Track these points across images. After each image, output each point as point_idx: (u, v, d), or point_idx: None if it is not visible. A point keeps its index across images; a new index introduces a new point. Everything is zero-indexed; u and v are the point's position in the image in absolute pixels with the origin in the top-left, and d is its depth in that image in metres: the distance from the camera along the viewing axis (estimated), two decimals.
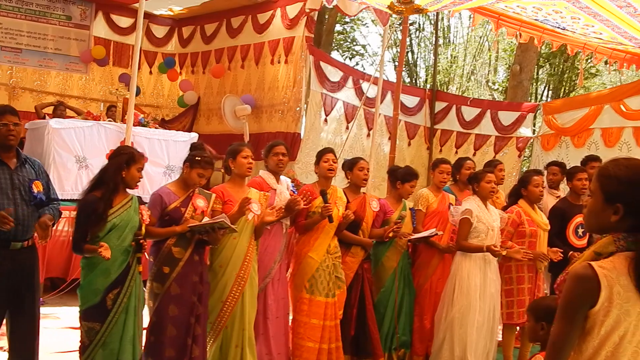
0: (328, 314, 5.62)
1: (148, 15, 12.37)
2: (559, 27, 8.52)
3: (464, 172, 6.65)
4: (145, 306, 4.83)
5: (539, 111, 12.22)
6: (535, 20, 8.35)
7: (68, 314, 7.11)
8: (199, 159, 4.86)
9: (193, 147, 5.19)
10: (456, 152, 12.07)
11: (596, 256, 2.22)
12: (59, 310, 7.26)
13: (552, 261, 6.24)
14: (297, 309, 5.65)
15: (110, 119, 9.26)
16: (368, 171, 6.06)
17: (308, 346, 5.55)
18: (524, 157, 12.80)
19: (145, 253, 4.70)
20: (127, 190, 4.64)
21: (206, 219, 4.89)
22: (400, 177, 6.32)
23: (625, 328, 2.14)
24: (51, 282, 7.96)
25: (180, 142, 9.29)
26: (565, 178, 7.04)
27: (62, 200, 4.99)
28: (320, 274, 5.61)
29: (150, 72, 13.64)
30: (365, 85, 10.85)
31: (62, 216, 4.91)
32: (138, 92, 12.01)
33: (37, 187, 4.51)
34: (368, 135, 11.37)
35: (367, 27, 25.27)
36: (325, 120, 11.06)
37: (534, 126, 12.76)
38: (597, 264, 2.16)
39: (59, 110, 10.40)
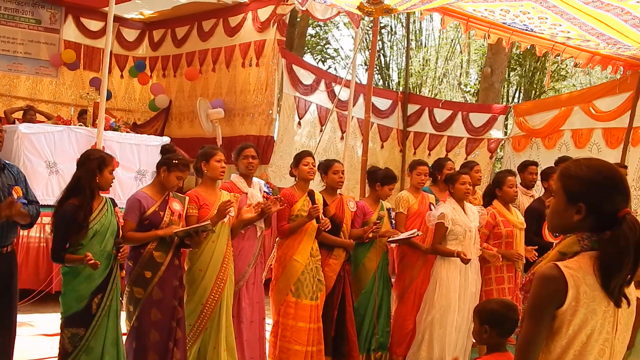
0: (312, 316, 5.65)
1: (118, 19, 12.27)
2: (527, 29, 8.61)
3: (445, 173, 6.66)
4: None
5: (510, 113, 12.34)
6: (504, 23, 8.43)
7: (42, 321, 7.04)
8: (176, 161, 4.87)
9: (165, 150, 5.19)
10: (429, 154, 12.16)
11: (561, 256, 2.24)
12: (32, 317, 7.18)
13: (527, 261, 6.29)
14: (283, 313, 5.65)
15: (81, 124, 9.18)
16: (343, 173, 6.08)
17: (296, 349, 5.57)
18: (496, 158, 12.92)
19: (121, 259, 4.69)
20: (100, 193, 4.64)
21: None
22: (379, 179, 6.34)
23: (592, 327, 2.16)
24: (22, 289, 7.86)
25: (152, 146, 9.22)
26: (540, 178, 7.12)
27: None
28: (306, 277, 5.63)
29: (122, 76, 13.53)
30: (337, 88, 10.88)
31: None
32: (109, 96, 11.91)
33: (17, 193, 4.50)
34: (342, 138, 11.40)
35: (340, 30, 25.33)
36: (299, 123, 11.05)
37: (505, 128, 12.88)
38: (563, 264, 2.17)
39: (29, 114, 10.29)
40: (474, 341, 6.25)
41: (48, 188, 8.33)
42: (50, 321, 6.99)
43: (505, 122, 12.86)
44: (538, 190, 7.66)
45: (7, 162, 4.70)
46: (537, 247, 6.21)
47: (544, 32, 8.59)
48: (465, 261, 5.85)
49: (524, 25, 8.32)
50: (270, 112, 10.86)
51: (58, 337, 4.58)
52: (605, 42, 8.75)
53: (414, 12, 12.56)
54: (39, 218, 5.65)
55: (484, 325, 3.37)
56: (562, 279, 2.14)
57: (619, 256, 2.14)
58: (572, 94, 12.86)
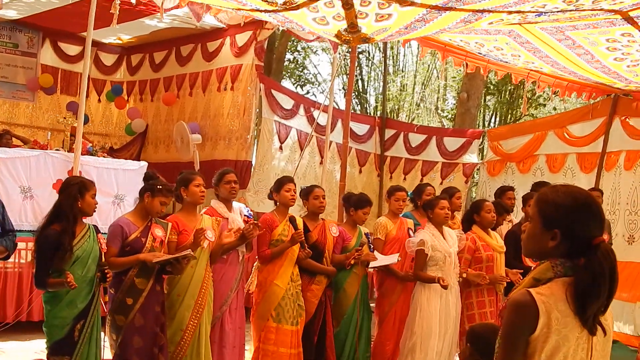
0: (293, 342, 5.66)
1: (96, 44, 12.25)
2: (501, 61, 8.75)
3: (425, 198, 6.74)
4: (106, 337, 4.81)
5: (484, 137, 12.44)
6: (479, 54, 8.56)
7: (14, 349, 6.93)
8: (161, 187, 4.90)
9: (148, 176, 5.21)
10: (404, 179, 12.22)
11: (535, 282, 2.23)
12: (3, 345, 7.07)
13: (507, 285, 6.33)
14: (264, 338, 5.65)
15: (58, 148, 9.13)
16: (324, 198, 6.13)
17: None
18: (473, 183, 12.99)
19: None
20: (83, 220, 4.66)
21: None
22: (353, 204, 6.40)
23: (564, 353, 2.16)
24: None
25: (129, 171, 9.17)
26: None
27: None
28: (287, 302, 5.65)
29: (99, 100, 13.50)
30: (316, 113, 10.91)
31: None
32: (86, 121, 11.86)
33: None
34: (321, 162, 11.42)
35: (318, 55, 25.48)
36: (281, 147, 11.05)
37: (481, 152, 12.96)
38: (535, 290, 2.17)
39: (5, 139, 10.20)
40: None
41: (22, 213, 8.25)
42: (22, 349, 6.90)
43: (481, 147, 12.94)
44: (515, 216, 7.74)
45: None
46: (522, 270, 6.22)
47: (518, 65, 8.74)
48: (445, 287, 5.89)
49: (497, 58, 8.45)
50: (248, 136, 10.84)
51: None
52: (578, 79, 8.93)
53: None
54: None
55: (467, 343, 3.43)
56: (533, 305, 2.14)
57: (594, 284, 2.15)
58: (546, 118, 12.99)
